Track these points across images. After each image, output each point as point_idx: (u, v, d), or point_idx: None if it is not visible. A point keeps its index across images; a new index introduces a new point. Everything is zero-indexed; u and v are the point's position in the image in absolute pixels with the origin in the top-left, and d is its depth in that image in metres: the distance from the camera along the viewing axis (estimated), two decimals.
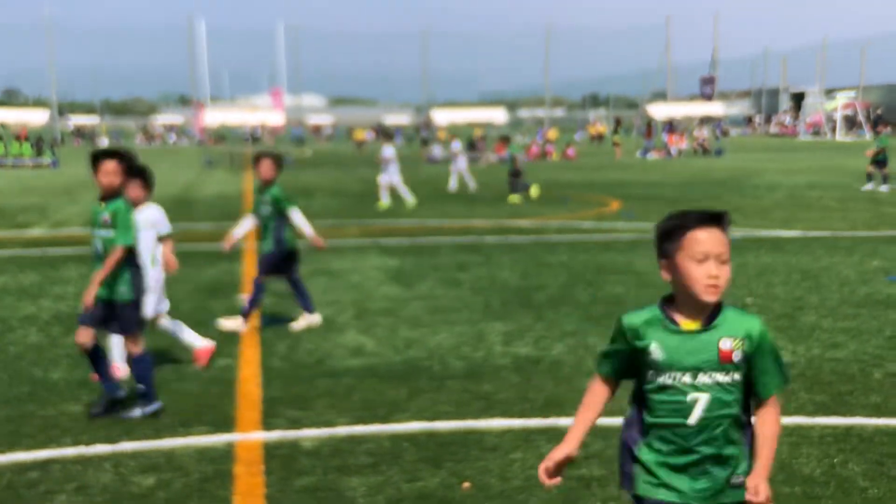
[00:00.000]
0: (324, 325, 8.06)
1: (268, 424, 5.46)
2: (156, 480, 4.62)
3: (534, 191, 21.09)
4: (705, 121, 53.85)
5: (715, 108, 53.03)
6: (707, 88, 74.77)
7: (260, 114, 46.56)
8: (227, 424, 5.47)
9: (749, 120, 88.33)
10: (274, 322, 8.19)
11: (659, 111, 49.38)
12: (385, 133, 21.04)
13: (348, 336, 7.68)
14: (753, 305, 8.69)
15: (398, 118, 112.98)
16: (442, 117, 47.14)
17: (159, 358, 7.02)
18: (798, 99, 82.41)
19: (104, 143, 72.47)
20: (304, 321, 7.96)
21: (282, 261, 7.98)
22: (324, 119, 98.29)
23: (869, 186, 22.29)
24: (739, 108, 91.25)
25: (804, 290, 9.50)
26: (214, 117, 44.88)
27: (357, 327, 8.00)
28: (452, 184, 24.25)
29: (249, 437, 5.28)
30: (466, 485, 4.53)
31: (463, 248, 12.96)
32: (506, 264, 11.36)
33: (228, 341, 7.50)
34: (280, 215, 7.89)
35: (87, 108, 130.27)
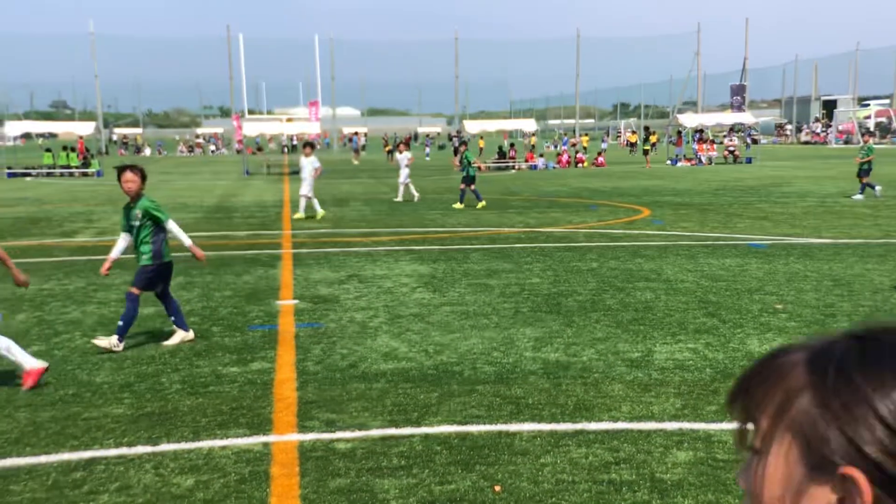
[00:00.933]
0: (357, 330, 8.19)
1: (303, 427, 5.58)
2: (195, 481, 4.74)
3: (481, 205, 21.05)
4: (735, 129, 53.41)
5: (745, 117, 52.54)
6: (737, 97, 74.20)
7: (296, 125, 47.06)
8: (263, 426, 5.60)
9: (780, 128, 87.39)
10: (308, 326, 8.34)
11: (689, 120, 49.04)
12: (308, 144, 20.81)
13: (381, 340, 7.80)
14: (784, 311, 8.67)
15: (431, 128, 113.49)
16: (474, 127, 47.29)
17: (197, 360, 7.19)
18: (830, 107, 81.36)
19: (147, 153, 73.89)
20: (178, 338, 7.76)
21: (157, 275, 7.79)
22: (358, 130, 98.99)
23: (858, 196, 21.91)
24: (770, 117, 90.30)
25: (836, 297, 9.44)
26: (252, 128, 45.50)
27: (389, 332, 8.11)
28: (400, 195, 23.58)
29: (285, 438, 5.39)
30: (497, 488, 4.60)
31: (493, 254, 13.04)
32: (536, 271, 11.42)
33: (265, 345, 7.66)
34: (156, 227, 7.73)
35: (132, 120, 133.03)
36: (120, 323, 7.51)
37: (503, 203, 22.49)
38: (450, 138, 78.00)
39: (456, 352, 7.37)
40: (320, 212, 19.28)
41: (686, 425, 5.49)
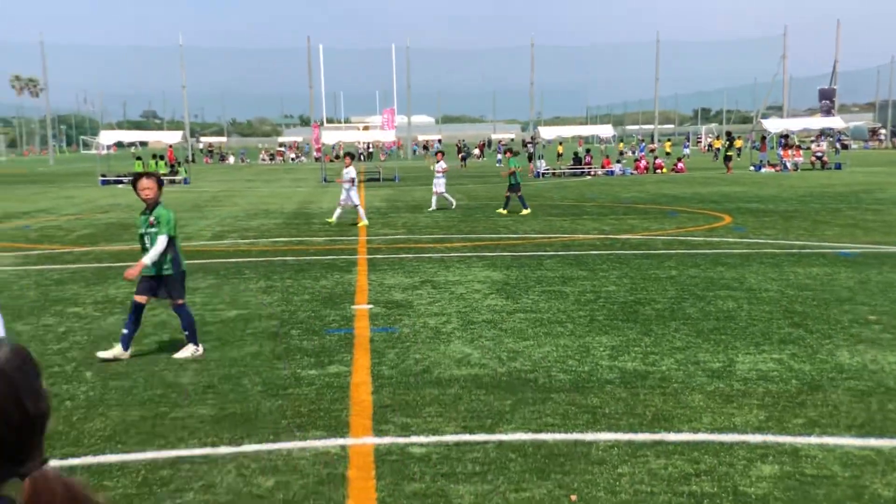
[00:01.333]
0: (431, 335, 8.24)
1: (378, 430, 5.63)
2: (275, 482, 4.84)
3: (525, 212, 21.04)
4: (824, 134, 51.55)
5: (834, 121, 50.66)
6: (826, 101, 71.64)
7: (372, 133, 47.82)
8: (340, 429, 5.68)
9: (873, 133, 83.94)
10: (383, 330, 8.42)
11: (774, 125, 47.60)
12: (348, 154, 20.74)
13: (454, 346, 7.82)
14: (878, 323, 8.31)
15: (505, 134, 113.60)
16: (549, 133, 47.02)
17: (277, 362, 7.34)
18: None
19: (231, 161, 76.16)
20: (112, 353, 7.63)
21: (184, 279, 7.86)
22: (433, 136, 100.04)
23: None
24: (862, 121, 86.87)
25: None
26: (330, 137, 46.47)
27: (462, 338, 8.13)
28: (451, 201, 23.34)
29: (361, 441, 5.46)
30: (574, 497, 4.55)
31: (567, 261, 12.93)
32: (612, 278, 11.26)
33: (342, 349, 7.78)
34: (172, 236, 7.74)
35: (217, 129, 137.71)
36: (186, 333, 7.75)
37: (577, 209, 22.26)
38: (524, 144, 77.76)
39: (530, 359, 7.33)
40: (333, 220, 19.34)
41: (771, 438, 5.33)
